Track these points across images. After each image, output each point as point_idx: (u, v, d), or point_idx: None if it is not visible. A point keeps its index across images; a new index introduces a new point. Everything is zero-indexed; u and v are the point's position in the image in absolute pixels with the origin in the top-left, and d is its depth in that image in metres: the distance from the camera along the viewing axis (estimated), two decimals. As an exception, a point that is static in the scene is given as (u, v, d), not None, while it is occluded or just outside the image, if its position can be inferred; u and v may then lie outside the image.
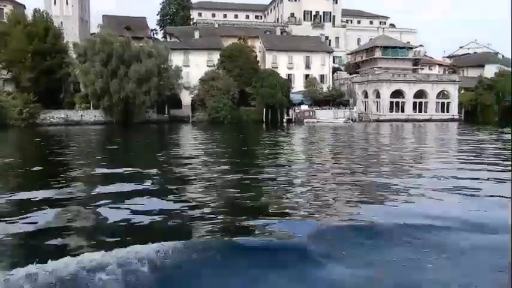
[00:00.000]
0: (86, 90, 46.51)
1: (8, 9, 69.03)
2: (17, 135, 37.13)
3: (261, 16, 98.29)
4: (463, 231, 7.08)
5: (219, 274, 5.40)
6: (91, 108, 49.24)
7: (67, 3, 68.14)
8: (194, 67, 56.78)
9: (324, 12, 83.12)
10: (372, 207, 9.00)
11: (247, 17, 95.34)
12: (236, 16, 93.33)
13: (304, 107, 52.16)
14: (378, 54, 67.75)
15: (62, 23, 62.23)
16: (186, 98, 56.28)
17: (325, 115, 50.61)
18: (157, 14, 79.11)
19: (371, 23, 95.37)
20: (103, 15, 62.10)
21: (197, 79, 54.46)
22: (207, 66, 57.53)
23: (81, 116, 48.26)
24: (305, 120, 48.17)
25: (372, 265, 5.66)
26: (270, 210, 8.72)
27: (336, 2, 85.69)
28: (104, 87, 45.63)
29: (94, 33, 76.48)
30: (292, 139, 31.64)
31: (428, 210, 8.54)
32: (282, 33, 68.38)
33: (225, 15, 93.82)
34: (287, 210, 8.79)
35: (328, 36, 77.94)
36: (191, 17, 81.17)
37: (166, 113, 53.01)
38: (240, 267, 5.57)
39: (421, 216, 7.95)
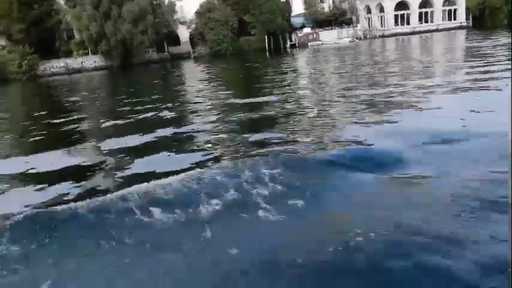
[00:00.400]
0: (81, 36, 45.13)
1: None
2: (27, 89, 36.80)
3: None
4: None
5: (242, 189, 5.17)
6: (89, 53, 48.06)
7: None
8: (189, 0, 54.32)
9: None
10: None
11: None
12: None
13: (306, 30, 50.42)
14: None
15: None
16: (183, 33, 54.47)
17: (329, 36, 49.00)
18: None
19: None
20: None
21: (192, 12, 52.43)
22: (203, -3, 55.14)
23: (81, 62, 47.28)
24: (309, 44, 46.77)
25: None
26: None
27: None
28: (100, 31, 44.18)
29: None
30: (298, 64, 30.99)
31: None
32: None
33: None
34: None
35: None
36: None
37: (166, 51, 51.64)
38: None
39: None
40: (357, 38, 49.66)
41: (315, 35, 48.34)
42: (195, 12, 50.75)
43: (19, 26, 47.71)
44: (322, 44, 47.09)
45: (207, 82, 23.78)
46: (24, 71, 44.32)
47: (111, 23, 44.14)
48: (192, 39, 54.26)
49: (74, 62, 47.15)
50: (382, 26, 54.42)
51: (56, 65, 46.66)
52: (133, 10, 44.14)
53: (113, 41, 44.56)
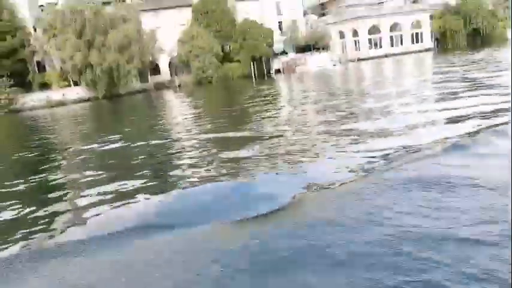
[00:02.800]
0: (64, 67, 43.25)
1: None
2: (6, 125, 34.39)
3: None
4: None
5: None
6: (71, 85, 46.08)
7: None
8: (166, 28, 54.01)
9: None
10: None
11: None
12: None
13: (292, 55, 51.45)
14: (344, -9, 67.13)
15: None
16: (163, 62, 53.94)
17: (312, 61, 50.21)
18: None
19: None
20: (57, -18, 56.62)
21: (170, 40, 51.99)
22: (180, 25, 54.97)
23: (63, 95, 45.08)
24: (297, 69, 47.63)
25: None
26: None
27: None
28: (84, 61, 42.69)
29: (42, 5, 70.66)
30: (288, 91, 30.70)
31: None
32: (246, -19, 65.65)
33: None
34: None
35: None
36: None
37: (147, 80, 50.60)
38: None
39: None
40: (339, 62, 51.29)
41: (302, 59, 49.39)
42: (178, 40, 50.27)
43: (-11, 59, 45.30)
44: (307, 69, 48.05)
45: (196, 114, 22.39)
46: (2, 105, 41.64)
47: (96, 52, 42.81)
48: (173, 68, 53.79)
49: (55, 95, 44.87)
50: (356, 50, 56.68)
51: (37, 97, 44.17)
52: (118, 38, 43.14)
53: (98, 71, 43.13)
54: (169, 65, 54.53)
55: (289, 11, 61.00)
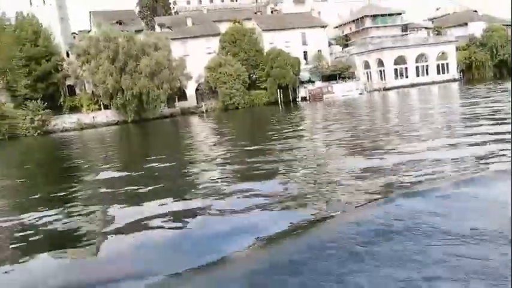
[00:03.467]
0: (97, 90, 44.29)
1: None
2: (41, 145, 35.11)
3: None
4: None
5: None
6: (102, 108, 47.11)
7: (44, 3, 64.57)
8: (193, 56, 55.31)
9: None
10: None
11: (222, 0, 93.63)
12: (211, 1, 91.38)
13: (318, 83, 51.84)
14: (368, 23, 68.15)
15: (41, 24, 59.04)
16: (190, 88, 54.84)
17: (339, 89, 50.52)
18: (136, 6, 76.02)
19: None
20: (90, 12, 59.07)
21: (198, 67, 53.11)
22: (207, 53, 56.31)
23: (93, 118, 46.08)
24: (324, 96, 47.89)
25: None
26: None
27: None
28: (116, 85, 43.72)
29: (74, 33, 73.45)
30: (328, 115, 30.84)
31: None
32: (272, 12, 67.35)
33: (200, 1, 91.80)
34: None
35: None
36: (171, 6, 78.76)
37: (175, 106, 51.48)
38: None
39: None
40: (365, 91, 51.45)
41: (329, 87, 49.70)
42: (206, 67, 51.24)
43: (25, 82, 46.78)
44: (334, 97, 48.29)
45: (221, 140, 22.11)
46: (36, 126, 42.69)
47: (128, 77, 43.84)
48: (199, 94, 54.65)
49: (86, 117, 45.89)
50: (381, 80, 56.83)
51: (68, 120, 45.23)
52: (150, 64, 44.17)
53: (129, 95, 44.04)
54: (195, 91, 55.41)
55: (315, 41, 61.95)
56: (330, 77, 55.56)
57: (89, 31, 61.43)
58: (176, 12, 76.27)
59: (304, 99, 51.64)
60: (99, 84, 43.69)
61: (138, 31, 49.56)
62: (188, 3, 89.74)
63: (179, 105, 52.88)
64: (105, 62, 43.70)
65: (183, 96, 54.46)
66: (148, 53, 45.29)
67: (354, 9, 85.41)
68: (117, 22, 53.86)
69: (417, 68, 57.31)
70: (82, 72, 46.12)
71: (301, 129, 21.94)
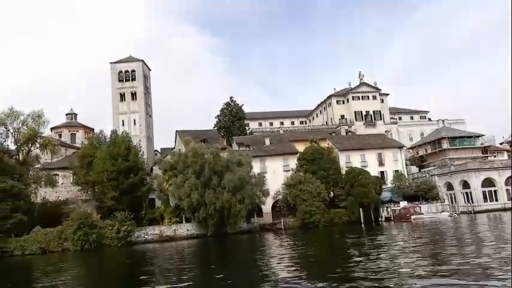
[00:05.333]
0: (181, 204, 45.15)
1: (80, 134, 71.94)
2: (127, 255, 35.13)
3: (306, 121, 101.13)
4: None
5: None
6: (183, 222, 47.57)
7: (135, 124, 70.87)
8: (271, 173, 56.44)
9: (373, 111, 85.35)
10: None
11: (293, 123, 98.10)
12: (282, 123, 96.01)
13: (404, 204, 49.83)
14: (446, 145, 67.35)
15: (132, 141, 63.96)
16: (266, 204, 54.70)
17: (426, 210, 48.12)
18: (214, 127, 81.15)
19: (411, 118, 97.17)
20: (176, 131, 63.79)
21: (275, 184, 53.70)
22: (284, 171, 57.26)
23: (175, 230, 46.38)
24: (413, 217, 45.51)
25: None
26: None
27: (382, 101, 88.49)
28: (199, 199, 44.49)
29: (156, 150, 78.69)
30: (420, 239, 28.25)
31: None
32: (346, 133, 68.87)
33: (271, 123, 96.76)
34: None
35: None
36: (246, 127, 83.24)
37: (254, 221, 51.04)
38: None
39: None
40: (455, 213, 48.50)
41: (417, 208, 47.48)
42: (285, 184, 51.50)
43: (113, 194, 48.99)
44: (423, 218, 45.74)
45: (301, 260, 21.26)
46: (120, 237, 43.42)
47: (211, 192, 44.66)
48: (276, 211, 54.12)
49: (168, 230, 46.31)
50: (467, 202, 53.72)
51: (151, 232, 45.85)
52: (233, 180, 45.08)
53: (211, 209, 44.35)
54: (272, 207, 55.08)
55: (391, 162, 61.54)
56: (412, 198, 53.43)
57: (173, 148, 65.64)
58: (251, 133, 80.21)
59: (388, 219, 49.32)
60: (184, 197, 44.68)
61: (223, 148, 51.85)
62: (260, 125, 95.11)
63: (254, 221, 52.38)
64: (192, 176, 45.26)
65: (259, 212, 54.22)
66: (232, 169, 46.60)
67: (425, 132, 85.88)
68: (201, 140, 57.18)
69: (507, 190, 53.92)
70: (168, 186, 47.80)
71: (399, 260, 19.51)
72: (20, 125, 47.96)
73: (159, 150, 79.61)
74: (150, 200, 55.75)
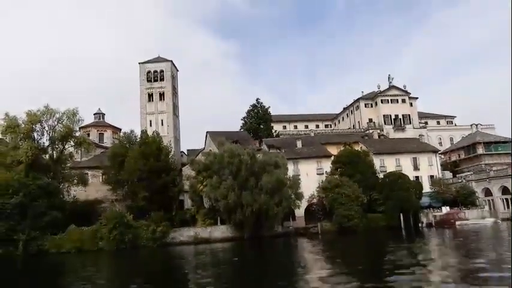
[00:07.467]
0: (217, 205, 44.35)
1: (108, 133, 71.82)
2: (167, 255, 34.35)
3: (331, 125, 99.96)
4: None
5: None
6: (218, 224, 46.75)
7: (162, 124, 70.43)
8: (304, 176, 55.21)
9: (403, 115, 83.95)
10: None
11: (317, 126, 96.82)
12: (306, 126, 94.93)
13: (446, 209, 48.43)
14: (481, 150, 65.71)
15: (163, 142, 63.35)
16: (300, 208, 53.61)
17: (468, 216, 46.68)
18: (241, 129, 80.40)
19: (438, 123, 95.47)
20: (207, 132, 63.22)
21: (307, 188, 52.48)
22: (317, 174, 56.20)
23: (209, 232, 45.59)
24: (457, 223, 44.11)
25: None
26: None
27: (411, 105, 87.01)
28: (236, 201, 43.64)
29: (182, 151, 78.22)
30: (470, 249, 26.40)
31: None
32: (379, 136, 67.60)
33: (295, 126, 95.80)
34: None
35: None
36: (272, 130, 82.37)
37: (289, 225, 50.04)
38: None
39: None
40: (499, 220, 46.96)
41: (461, 214, 46.08)
42: (321, 187, 50.43)
43: (144, 193, 48.32)
44: (468, 224, 44.32)
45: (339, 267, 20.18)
46: (156, 237, 42.78)
47: (249, 193, 43.77)
48: (309, 214, 53.01)
49: (203, 232, 45.51)
50: (506, 208, 52.14)
51: (186, 233, 45.13)
52: (271, 181, 44.18)
53: (248, 211, 43.45)
54: (305, 211, 53.98)
55: (426, 166, 60.20)
56: (450, 203, 51.92)
57: (202, 149, 65.01)
58: (277, 135, 79.29)
59: (429, 225, 47.87)
60: (220, 198, 43.88)
61: (258, 150, 51.06)
62: (284, 127, 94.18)
63: (287, 225, 51.32)
64: (229, 177, 44.46)
65: (292, 215, 53.17)
66: (268, 171, 45.69)
67: (455, 137, 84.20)
68: (233, 142, 56.36)
69: (549, 197, 52.16)
70: (202, 187, 47.05)
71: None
72: (56, 122, 47.72)
73: (185, 152, 79.13)
74: (179, 201, 55.17)
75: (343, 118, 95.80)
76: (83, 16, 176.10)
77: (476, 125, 77.46)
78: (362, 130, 79.73)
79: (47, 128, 48.00)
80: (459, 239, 33.99)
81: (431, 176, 59.32)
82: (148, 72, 72.27)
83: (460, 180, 59.03)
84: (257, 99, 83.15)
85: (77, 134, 54.89)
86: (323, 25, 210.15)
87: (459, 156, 69.88)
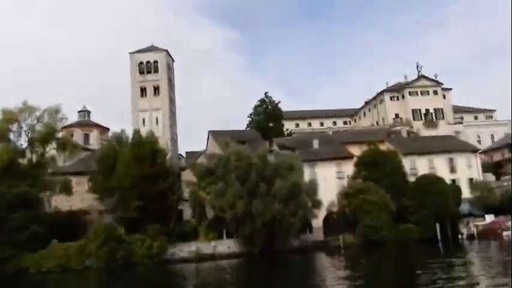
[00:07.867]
0: (223, 216, 43.66)
1: (94, 134, 71.39)
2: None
3: (350, 121, 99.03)
4: None
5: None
6: (223, 237, 46.02)
7: (157, 123, 69.88)
8: (321, 180, 54.04)
9: (434, 109, 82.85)
10: None
11: (335, 123, 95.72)
12: (322, 124, 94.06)
13: (491, 218, 47.44)
14: (528, 150, 64.66)
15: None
16: (317, 218, 52.70)
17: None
18: (247, 128, 79.75)
19: (475, 118, 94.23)
20: (209, 131, 62.65)
21: (326, 194, 51.34)
22: (337, 178, 55.30)
23: (214, 247, 44.88)
24: (504, 233, 43.06)
25: None
26: None
27: (444, 97, 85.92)
28: (245, 211, 42.89)
29: (180, 154, 77.68)
30: None
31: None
32: (408, 134, 66.67)
33: (309, 124, 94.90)
34: None
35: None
36: (284, 128, 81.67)
37: (306, 237, 49.24)
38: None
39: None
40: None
41: (509, 223, 44.94)
42: (343, 193, 49.54)
43: (137, 203, 47.40)
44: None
45: None
46: (152, 254, 42.10)
47: (259, 202, 42.98)
48: (328, 225, 52.15)
49: (207, 247, 44.78)
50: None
51: (187, 249, 44.45)
52: (286, 187, 43.41)
53: (259, 223, 42.67)
54: (323, 221, 53.03)
55: (464, 168, 59.13)
56: (495, 211, 50.85)
57: (204, 151, 64.41)
58: (289, 134, 78.55)
59: (470, 236, 46.83)
60: (226, 208, 43.15)
61: (269, 151, 50.37)
62: (297, 125, 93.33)
63: (303, 237, 50.42)
64: (236, 183, 43.73)
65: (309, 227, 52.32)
66: (282, 175, 44.92)
67: (496, 134, 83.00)
68: (240, 142, 55.55)
69: None
70: (204, 195, 46.36)
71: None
72: (35, 121, 47.22)
73: (183, 154, 78.63)
74: (178, 211, 54.39)
75: (364, 114, 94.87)
76: None
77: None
78: (388, 127, 78.72)
79: (25, 128, 47.59)
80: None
81: (471, 179, 58.30)
82: (141, 63, 71.89)
83: (505, 184, 57.98)
84: (265, 93, 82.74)
85: (59, 134, 54.48)
86: (338, 7, 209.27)
87: (503, 156, 69.00)
